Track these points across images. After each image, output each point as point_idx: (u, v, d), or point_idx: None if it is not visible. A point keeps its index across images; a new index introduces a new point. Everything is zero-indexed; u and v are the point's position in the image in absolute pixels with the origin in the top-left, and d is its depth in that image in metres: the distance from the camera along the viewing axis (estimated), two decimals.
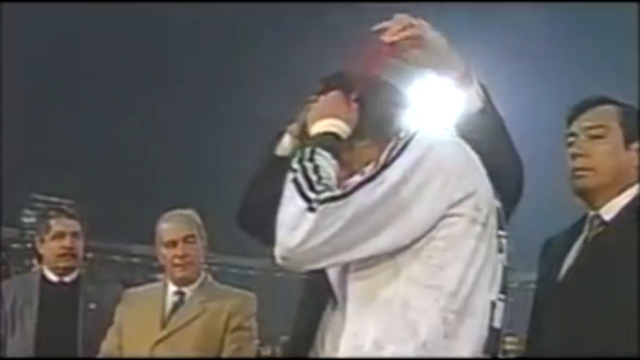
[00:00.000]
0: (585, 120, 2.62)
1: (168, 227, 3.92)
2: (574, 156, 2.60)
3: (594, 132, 2.60)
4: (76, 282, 4.26)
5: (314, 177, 2.07)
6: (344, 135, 2.20)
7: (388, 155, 2.10)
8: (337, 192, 2.05)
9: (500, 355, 2.20)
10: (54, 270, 4.24)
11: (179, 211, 4.01)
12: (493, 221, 2.15)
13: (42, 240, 4.28)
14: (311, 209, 2.02)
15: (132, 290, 4.12)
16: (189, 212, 4.02)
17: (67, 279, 4.25)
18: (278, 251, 2.08)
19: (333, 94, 2.26)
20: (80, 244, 4.28)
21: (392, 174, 2.05)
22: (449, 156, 2.13)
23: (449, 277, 2.07)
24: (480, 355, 2.10)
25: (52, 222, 4.27)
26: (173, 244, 3.87)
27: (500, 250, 2.18)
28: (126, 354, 3.86)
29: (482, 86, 2.43)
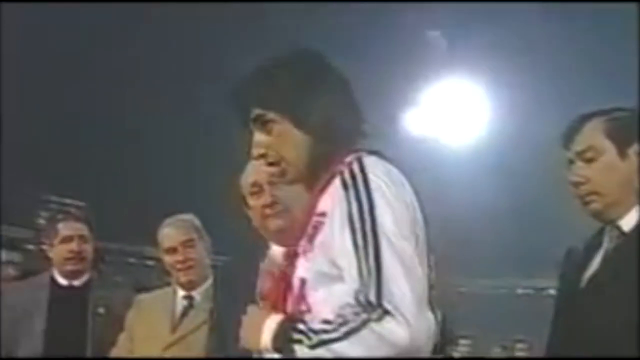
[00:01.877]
0: (576, 145, 2.62)
1: (167, 233, 3.95)
2: (575, 185, 2.61)
3: (586, 155, 2.60)
4: (86, 286, 4.23)
5: (335, 318, 1.96)
6: None
7: (352, 204, 2.02)
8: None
9: None
10: (62, 273, 4.22)
11: (177, 217, 4.02)
12: (423, 236, 2.13)
13: (51, 244, 4.25)
14: (379, 318, 1.92)
15: (143, 295, 4.12)
16: (188, 216, 4.03)
17: (76, 282, 4.23)
18: (405, 343, 1.93)
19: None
20: (88, 247, 4.26)
21: (390, 230, 1.99)
22: (395, 183, 2.08)
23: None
24: None
25: (60, 225, 4.25)
26: (173, 250, 3.90)
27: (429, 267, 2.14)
28: None
29: None
